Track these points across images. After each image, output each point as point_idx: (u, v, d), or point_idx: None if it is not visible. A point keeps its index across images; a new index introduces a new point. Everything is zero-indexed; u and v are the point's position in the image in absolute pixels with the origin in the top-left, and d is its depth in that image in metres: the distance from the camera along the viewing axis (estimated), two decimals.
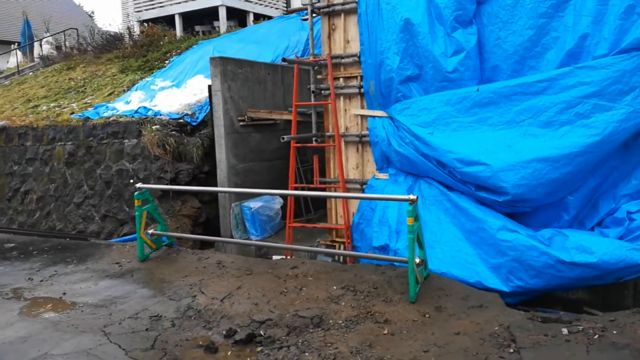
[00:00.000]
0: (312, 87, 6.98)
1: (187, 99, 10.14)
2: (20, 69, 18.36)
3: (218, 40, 12.67)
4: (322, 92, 6.92)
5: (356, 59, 6.66)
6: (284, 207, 8.50)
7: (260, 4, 15.73)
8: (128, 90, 11.56)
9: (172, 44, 14.19)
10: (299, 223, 7.58)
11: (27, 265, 6.95)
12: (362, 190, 6.90)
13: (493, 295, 5.08)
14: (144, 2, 15.94)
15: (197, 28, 15.32)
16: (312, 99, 7.03)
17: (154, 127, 8.77)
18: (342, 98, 6.87)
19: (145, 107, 9.54)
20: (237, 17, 14.89)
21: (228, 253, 7.93)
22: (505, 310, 4.74)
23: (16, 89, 15.00)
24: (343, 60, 6.78)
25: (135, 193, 6.58)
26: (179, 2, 15.16)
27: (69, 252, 7.47)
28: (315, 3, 6.83)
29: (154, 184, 8.46)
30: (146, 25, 14.80)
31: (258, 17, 15.47)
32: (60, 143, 9.72)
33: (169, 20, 14.89)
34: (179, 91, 10.76)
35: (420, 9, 5.92)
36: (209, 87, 8.81)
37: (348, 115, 6.92)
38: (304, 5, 6.89)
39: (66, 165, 9.55)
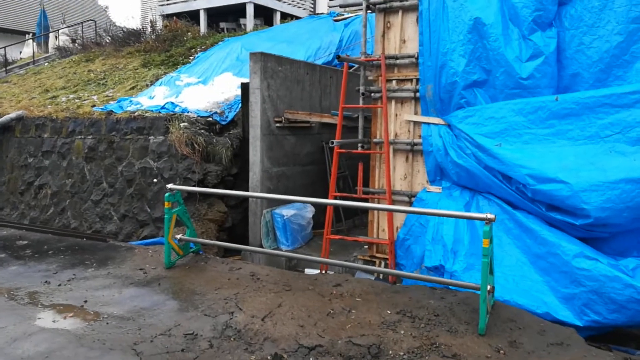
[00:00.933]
0: (362, 89, 6.45)
1: (215, 97, 9.63)
2: (35, 58, 17.94)
3: (246, 38, 12.19)
4: (372, 94, 6.38)
5: (413, 60, 6.13)
6: (314, 216, 7.96)
7: (288, 3, 15.27)
8: (151, 84, 11.07)
9: (197, 39, 13.73)
10: (337, 235, 7.02)
11: (43, 266, 6.41)
12: (410, 203, 6.35)
13: (571, 330, 4.51)
14: None
15: (222, 25, 14.86)
16: (361, 101, 6.50)
17: (181, 125, 8.25)
18: (393, 102, 6.34)
19: (172, 103, 9.03)
20: (264, 15, 14.44)
21: (256, 263, 7.38)
22: (591, 351, 4.17)
23: (32, 79, 14.54)
24: (398, 61, 6.25)
25: (166, 194, 6.05)
26: None
27: (87, 253, 6.93)
28: None
29: (179, 184, 7.91)
30: (169, 19, 14.35)
31: (285, 17, 15.01)
32: (80, 136, 9.21)
33: (192, 15, 14.44)
34: (206, 88, 10.26)
35: (493, 8, 5.39)
36: (243, 84, 8.30)
37: (399, 121, 6.38)
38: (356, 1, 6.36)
39: (85, 160, 9.04)
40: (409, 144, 6.26)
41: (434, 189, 6.12)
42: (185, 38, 14.03)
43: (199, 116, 8.74)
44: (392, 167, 6.42)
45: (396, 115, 6.37)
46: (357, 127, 6.66)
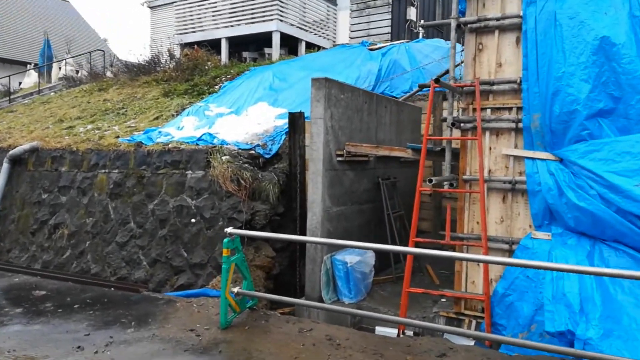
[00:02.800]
0: (450, 118, 5.61)
1: (253, 128, 8.77)
2: (40, 88, 17.14)
3: (277, 67, 11.46)
4: (462, 125, 5.54)
5: (514, 86, 5.32)
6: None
7: (314, 33, 14.67)
8: (177, 115, 10.21)
9: (220, 69, 13.00)
10: (418, 289, 6.03)
11: (71, 325, 5.36)
12: (510, 252, 5.42)
13: None
14: (190, 24, 14.86)
15: (245, 54, 14.19)
16: (450, 132, 5.65)
17: (223, 158, 7.33)
18: (487, 133, 5.50)
19: (210, 134, 8.14)
20: (288, 45, 13.81)
21: (313, 319, 6.34)
22: None
23: (41, 109, 13.64)
24: (494, 87, 5.44)
25: (225, 240, 5.09)
26: (227, 26, 14.07)
27: (120, 307, 5.88)
28: (460, 17, 5.54)
29: (224, 225, 6.93)
30: (189, 48, 13.65)
31: (309, 46, 14.39)
32: (104, 170, 8.25)
33: (213, 44, 13.76)
34: (239, 119, 9.42)
35: (623, 26, 4.63)
36: (291, 114, 7.47)
37: (493, 156, 5.52)
38: (450, 19, 5.59)
39: (110, 197, 8.04)
40: (509, 182, 5.37)
41: (542, 235, 5.21)
42: (206, 67, 13.30)
43: (239, 149, 7.84)
44: (486, 209, 5.51)
45: (490, 148, 5.52)
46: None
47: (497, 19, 5.39)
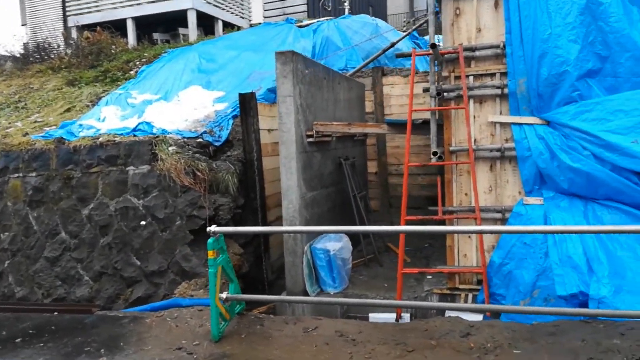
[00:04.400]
0: (433, 88, 5.34)
1: (192, 114, 7.89)
2: None
3: (201, 47, 10.47)
4: (445, 94, 5.31)
5: (497, 51, 5.18)
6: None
7: (230, 12, 13.71)
8: (94, 105, 8.92)
9: (130, 52, 11.66)
10: (414, 268, 5.77)
11: None
12: (503, 220, 5.34)
13: None
14: (84, 3, 13.11)
15: (155, 36, 12.86)
16: (432, 103, 5.38)
17: (170, 149, 6.46)
18: (471, 102, 5.32)
19: (148, 124, 7.14)
20: (204, 25, 12.76)
21: (299, 315, 5.85)
22: None
23: None
24: (476, 53, 5.25)
25: (210, 240, 4.41)
26: (132, 5, 12.63)
27: (77, 334, 4.93)
28: None
29: (182, 225, 6.12)
30: (90, 31, 12.04)
31: (226, 26, 13.44)
32: (16, 175, 6.90)
33: (117, 25, 12.30)
34: (172, 105, 8.44)
35: None
36: (242, 95, 6.78)
37: (478, 124, 5.37)
38: None
39: (29, 206, 6.75)
40: (496, 150, 5.26)
41: (534, 200, 5.18)
42: (113, 51, 11.86)
43: (184, 138, 6.97)
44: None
45: (474, 117, 5.35)
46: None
47: None
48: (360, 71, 9.60)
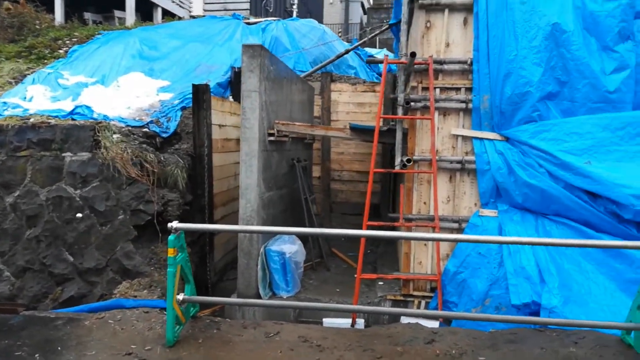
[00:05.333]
0: (400, 97, 5.39)
1: (135, 103, 7.37)
2: None
3: (141, 33, 9.83)
4: (412, 104, 5.38)
5: (464, 66, 5.35)
6: None
7: (170, 0, 13.05)
8: (17, 82, 8.04)
9: (59, 30, 10.70)
10: (372, 274, 5.75)
11: None
12: (459, 230, 5.50)
13: None
14: None
15: (87, 15, 11.89)
16: (400, 112, 5.43)
17: (114, 137, 5.95)
18: (435, 113, 5.44)
19: (88, 107, 6.52)
20: (142, 10, 12.02)
21: (250, 318, 5.61)
22: None
23: None
24: (444, 67, 5.39)
25: (170, 237, 4.11)
26: None
27: (3, 338, 4.35)
28: None
29: (126, 220, 5.63)
30: (10, 2, 10.87)
31: (165, 14, 12.78)
32: None
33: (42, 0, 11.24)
34: (112, 90, 7.83)
35: (569, 14, 4.97)
36: (195, 86, 6.46)
37: (440, 136, 5.50)
38: None
39: None
40: (457, 162, 5.42)
41: (489, 212, 5.40)
42: (37, 27, 10.81)
43: (129, 126, 6.47)
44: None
45: (438, 128, 5.48)
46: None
47: None
48: (310, 75, 9.54)
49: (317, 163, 9.79)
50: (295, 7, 14.22)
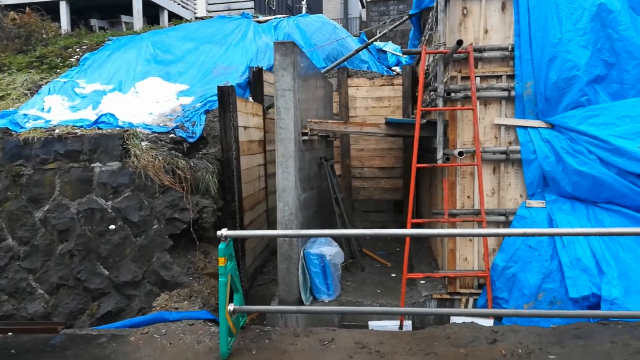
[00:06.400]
0: (440, 87, 5.20)
1: (157, 108, 7.19)
2: None
3: (152, 37, 9.64)
4: (453, 95, 5.20)
5: (505, 53, 5.17)
6: None
7: (176, 2, 12.83)
8: (32, 93, 7.85)
9: (68, 38, 10.51)
10: (420, 273, 5.59)
11: None
12: (507, 223, 5.32)
13: None
14: None
15: (93, 22, 11.69)
16: (440, 103, 5.24)
17: (143, 145, 5.77)
18: (477, 104, 5.25)
19: (112, 115, 6.34)
20: (148, 14, 11.83)
21: (294, 325, 5.44)
22: None
23: None
24: (484, 54, 5.20)
25: (221, 246, 3.95)
26: None
27: (48, 358, 4.16)
28: None
29: (161, 229, 5.46)
30: (16, 12, 10.67)
31: (172, 17, 12.57)
32: None
33: (48, 8, 11.02)
34: (131, 97, 7.65)
35: None
36: (221, 88, 6.27)
37: (482, 126, 5.32)
38: None
39: None
40: (501, 152, 5.24)
41: (536, 203, 5.22)
42: (45, 36, 10.63)
43: (155, 133, 6.29)
44: (477, 182, 5.31)
45: (479, 119, 5.29)
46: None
47: None
48: (327, 71, 9.34)
49: (337, 161, 9.59)
50: (304, 2, 13.98)
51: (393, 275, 6.60)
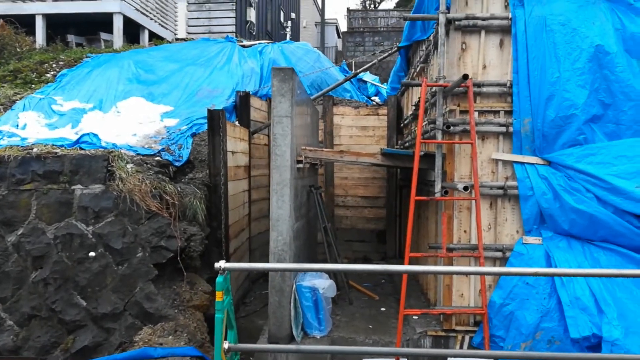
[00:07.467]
0: (439, 120, 5.18)
1: (140, 129, 6.92)
2: None
3: (134, 56, 9.37)
4: (451, 128, 5.18)
5: (503, 89, 5.21)
6: None
7: (158, 23, 12.60)
8: (6, 109, 7.46)
9: (44, 53, 10.13)
10: (416, 309, 5.43)
11: None
12: (504, 259, 5.27)
13: None
14: None
15: (70, 38, 11.32)
16: (439, 136, 5.21)
17: (128, 167, 5.49)
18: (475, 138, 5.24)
19: (95, 135, 6.03)
20: (128, 32, 11.56)
21: None
22: None
23: None
24: (483, 90, 5.23)
25: (219, 279, 3.73)
26: (45, 0, 11.02)
27: None
28: (447, 13, 5.17)
29: (145, 258, 5.15)
30: None
31: (152, 37, 12.33)
32: None
33: (23, 21, 10.62)
34: (112, 116, 7.36)
35: (611, 36, 4.91)
36: (210, 111, 6.08)
37: (479, 160, 5.30)
38: (438, 13, 5.14)
39: None
40: (498, 187, 5.22)
41: (533, 240, 5.20)
42: (18, 49, 10.22)
43: (141, 155, 6.02)
44: (474, 216, 5.26)
45: (477, 153, 5.28)
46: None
47: (484, 19, 5.20)
48: (314, 99, 9.28)
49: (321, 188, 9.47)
50: (289, 30, 14.02)
51: (383, 309, 6.43)
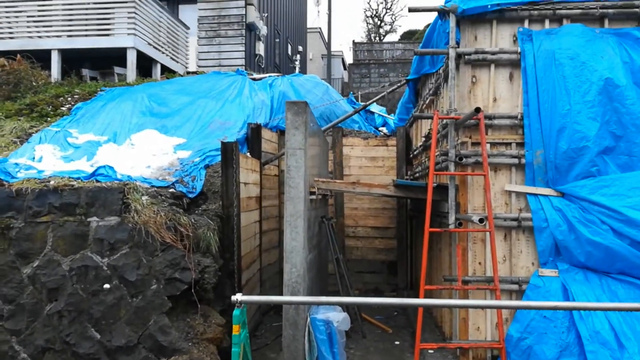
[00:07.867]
0: (452, 152, 5.23)
1: (154, 161, 7.02)
2: None
3: (147, 89, 9.57)
4: (464, 160, 5.22)
5: (515, 121, 5.28)
6: None
7: (169, 56, 12.91)
8: (22, 142, 7.59)
9: (59, 87, 10.37)
10: (433, 343, 5.36)
11: None
12: (520, 292, 5.23)
13: None
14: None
15: (84, 72, 11.60)
16: (452, 168, 5.25)
17: (143, 199, 5.55)
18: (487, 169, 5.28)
19: (111, 168, 6.11)
20: (141, 66, 11.83)
21: None
22: None
23: None
24: (494, 122, 5.30)
25: (235, 312, 3.74)
26: (61, 35, 11.34)
27: None
28: (457, 47, 5.29)
29: (159, 290, 5.15)
30: (5, 59, 10.50)
31: (164, 70, 12.60)
32: None
33: (39, 55, 10.90)
34: (126, 149, 7.48)
35: (620, 69, 5.00)
36: (224, 144, 6.18)
37: (492, 192, 5.32)
38: (448, 47, 5.26)
39: None
40: (512, 219, 5.23)
41: (549, 272, 5.17)
42: (34, 83, 10.46)
43: (155, 187, 6.09)
44: (489, 248, 5.25)
45: (489, 185, 5.31)
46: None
47: (494, 53, 5.31)
48: (324, 131, 9.40)
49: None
50: (297, 62, 14.32)
51: (397, 342, 6.36)
